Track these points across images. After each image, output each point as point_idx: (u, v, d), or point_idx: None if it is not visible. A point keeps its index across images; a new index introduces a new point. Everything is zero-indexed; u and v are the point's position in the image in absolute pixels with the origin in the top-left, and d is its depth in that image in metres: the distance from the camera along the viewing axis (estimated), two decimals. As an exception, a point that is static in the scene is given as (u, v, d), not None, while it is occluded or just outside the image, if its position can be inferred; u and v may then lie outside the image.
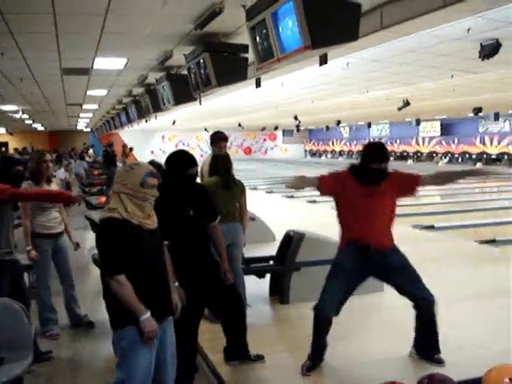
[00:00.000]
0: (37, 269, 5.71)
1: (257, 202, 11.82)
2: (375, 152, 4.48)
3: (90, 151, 32.97)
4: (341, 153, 43.62)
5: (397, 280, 4.52)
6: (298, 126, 31.32)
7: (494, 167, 27.33)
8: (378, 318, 5.85)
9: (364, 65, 9.77)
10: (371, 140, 28.32)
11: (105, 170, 19.74)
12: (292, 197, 17.27)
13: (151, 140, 42.77)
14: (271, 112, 22.27)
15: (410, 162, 35.42)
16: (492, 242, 9.63)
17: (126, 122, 18.46)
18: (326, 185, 4.55)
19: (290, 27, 4.66)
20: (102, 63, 9.50)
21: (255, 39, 5.44)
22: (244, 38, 6.13)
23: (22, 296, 4.67)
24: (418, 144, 36.09)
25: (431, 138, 35.22)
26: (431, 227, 11.35)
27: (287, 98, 16.30)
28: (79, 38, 7.47)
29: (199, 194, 4.46)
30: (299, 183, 4.55)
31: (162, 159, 5.05)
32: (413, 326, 4.61)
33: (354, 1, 4.53)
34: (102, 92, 14.46)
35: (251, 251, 6.74)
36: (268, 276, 6.59)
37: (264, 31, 5.16)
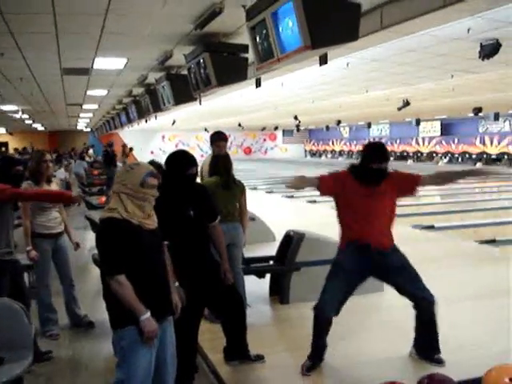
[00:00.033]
0: (37, 269, 5.71)
1: (257, 202, 11.82)
2: (375, 152, 4.47)
3: (90, 151, 32.98)
4: (341, 153, 43.63)
5: (397, 280, 4.52)
6: (298, 126, 31.34)
7: (494, 167, 27.30)
8: (378, 318, 5.85)
9: (364, 65, 9.78)
10: (371, 140, 28.31)
11: (105, 170, 19.75)
12: (292, 197, 17.26)
13: (151, 140, 42.76)
14: (271, 112, 22.27)
15: (410, 162, 35.43)
16: (492, 242, 9.62)
17: (126, 121, 18.46)
18: (326, 185, 4.55)
19: (290, 27, 4.66)
20: (101, 63, 9.50)
21: (255, 39, 5.44)
22: (244, 38, 6.14)
23: (22, 296, 4.66)
24: (418, 144, 36.11)
25: (431, 138, 35.24)
26: (431, 227, 11.35)
27: (287, 97, 16.30)
28: (79, 38, 7.47)
29: (199, 194, 4.46)
30: (299, 183, 4.55)
31: (162, 159, 5.05)
32: (413, 326, 4.61)
33: (354, 1, 4.54)
34: (102, 92, 14.46)
35: (251, 251, 6.74)
36: (268, 276, 6.59)
37: (264, 31, 5.16)
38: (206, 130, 36.53)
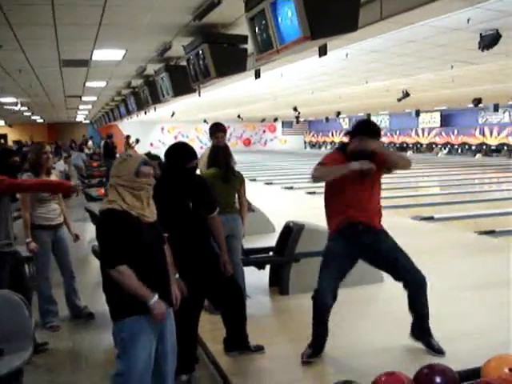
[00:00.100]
0: (36, 261, 5.72)
1: (256, 194, 11.82)
2: (367, 127, 4.47)
3: (90, 143, 32.92)
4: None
5: (388, 261, 4.51)
6: (297, 118, 31.27)
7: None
8: (377, 309, 5.86)
9: (363, 56, 9.76)
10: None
11: (104, 162, 19.73)
12: (291, 188, 17.27)
13: (150, 132, 42.68)
14: (270, 103, 22.24)
15: (409, 153, 35.39)
16: (491, 232, 9.63)
17: (125, 113, 18.44)
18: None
19: (289, 17, 4.65)
20: (100, 55, 9.47)
21: (254, 30, 5.42)
22: (243, 29, 6.11)
23: (22, 288, 4.66)
24: (418, 135, 36.06)
25: (431, 129, 35.18)
26: (431, 218, 11.35)
27: (287, 88, 16.27)
28: (78, 30, 7.45)
29: (198, 186, 4.45)
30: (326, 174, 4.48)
31: (161, 151, 5.04)
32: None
33: (354, -9, 4.52)
34: (101, 84, 14.43)
35: (251, 242, 6.75)
36: (268, 267, 6.59)
37: (263, 22, 5.15)
38: (205, 121, 36.39)
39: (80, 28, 7.32)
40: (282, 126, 47.87)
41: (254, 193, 9.55)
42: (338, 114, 28.81)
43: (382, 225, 4.58)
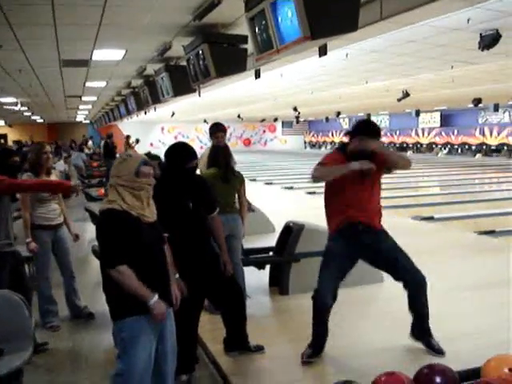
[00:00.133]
0: (36, 261, 5.72)
1: (256, 194, 11.82)
2: (368, 126, 4.48)
3: (90, 143, 32.92)
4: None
5: (388, 261, 4.51)
6: (297, 118, 31.27)
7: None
8: (377, 309, 5.86)
9: (363, 56, 9.76)
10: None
11: (104, 162, 19.73)
12: (291, 188, 17.27)
13: (150, 132, 42.67)
14: (270, 103, 22.24)
15: (409, 153, 35.37)
16: (491, 232, 9.63)
17: (125, 113, 18.43)
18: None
19: (289, 17, 4.65)
20: (100, 55, 9.47)
21: (254, 30, 5.42)
22: (243, 29, 6.11)
23: (23, 288, 4.66)
24: (418, 135, 36.05)
25: (431, 129, 35.18)
26: (431, 218, 11.35)
27: (287, 88, 16.27)
28: (78, 30, 7.44)
29: (198, 186, 4.45)
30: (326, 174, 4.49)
31: (161, 151, 5.04)
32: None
33: (354, -9, 4.52)
34: (101, 84, 14.43)
35: (251, 242, 6.75)
36: (268, 267, 6.59)
37: (263, 22, 5.14)
38: (205, 121, 36.37)
39: (80, 28, 7.32)
40: (282, 126, 47.86)
41: (254, 193, 9.55)
42: (338, 114, 28.81)
43: (381, 225, 4.58)
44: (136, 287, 3.10)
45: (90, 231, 8.65)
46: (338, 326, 4.80)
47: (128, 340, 3.15)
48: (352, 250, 4.48)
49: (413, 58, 10.04)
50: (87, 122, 39.31)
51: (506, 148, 29.92)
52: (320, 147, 46.16)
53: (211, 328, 5.09)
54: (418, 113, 27.89)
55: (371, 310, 5.87)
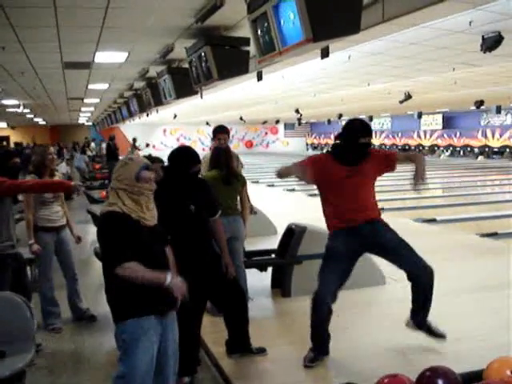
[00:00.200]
0: (39, 262, 5.73)
1: (258, 196, 11.81)
2: (363, 126, 4.49)
3: (92, 145, 32.96)
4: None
5: (395, 251, 4.49)
6: (299, 120, 31.26)
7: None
8: (379, 311, 5.85)
9: (365, 58, 9.75)
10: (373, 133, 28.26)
11: (106, 164, 19.74)
12: (293, 190, 17.26)
13: (153, 134, 42.69)
14: (272, 105, 22.24)
15: (411, 155, 35.30)
16: (493, 234, 9.63)
17: (127, 115, 18.44)
18: (310, 172, 4.49)
19: (291, 20, 4.65)
20: (103, 57, 9.49)
21: (256, 32, 5.43)
22: (245, 31, 6.12)
23: (23, 290, 4.67)
24: (420, 137, 35.98)
25: (433, 132, 35.13)
26: (433, 220, 11.34)
27: (288, 91, 16.27)
28: (80, 32, 7.46)
29: (200, 189, 4.45)
30: (285, 172, 4.54)
31: (164, 153, 5.04)
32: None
33: (356, -7, 4.52)
34: (104, 86, 14.45)
35: (253, 244, 6.75)
36: (270, 269, 6.59)
37: (265, 24, 5.15)
38: (207, 123, 36.47)
39: (82, 30, 7.34)
40: (284, 128, 47.85)
41: (256, 195, 9.53)
42: (340, 116, 28.78)
43: (380, 215, 4.59)
44: (145, 275, 3.09)
45: (92, 233, 8.66)
46: (340, 328, 4.80)
47: (130, 342, 3.15)
48: (352, 247, 4.45)
49: (414, 60, 10.04)
50: (89, 124, 39.35)
51: (508, 150, 29.85)
52: (322, 149, 46.07)
53: (213, 330, 5.09)
54: (420, 115, 27.84)
55: (373, 312, 5.86)
